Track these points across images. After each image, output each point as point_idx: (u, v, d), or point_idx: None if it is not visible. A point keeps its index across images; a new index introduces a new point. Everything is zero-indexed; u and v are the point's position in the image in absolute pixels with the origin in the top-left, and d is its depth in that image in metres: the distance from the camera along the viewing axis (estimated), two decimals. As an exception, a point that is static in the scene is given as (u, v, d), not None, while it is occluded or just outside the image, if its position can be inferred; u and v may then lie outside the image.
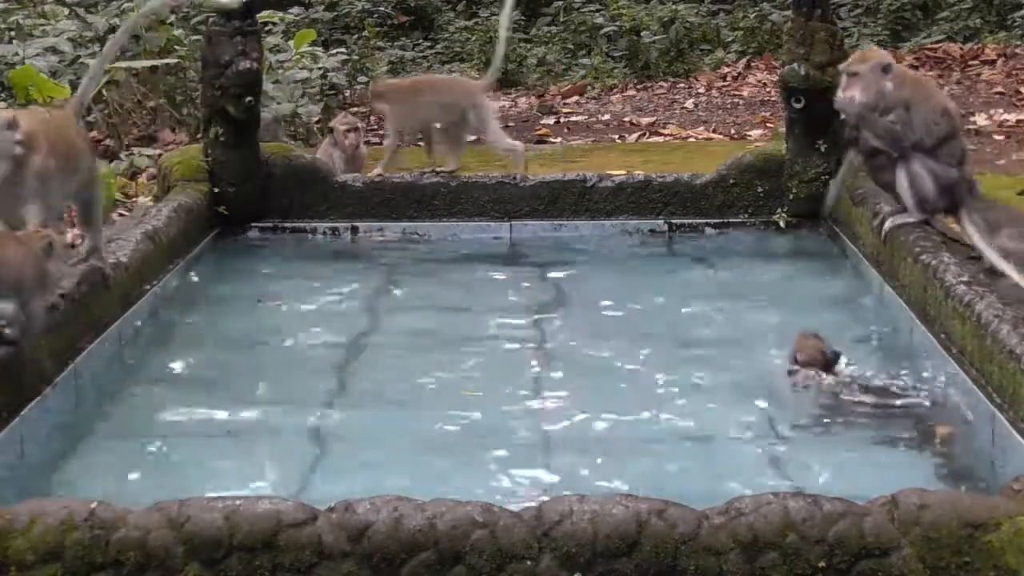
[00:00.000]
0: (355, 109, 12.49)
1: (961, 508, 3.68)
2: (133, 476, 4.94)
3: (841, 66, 6.80)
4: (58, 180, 5.61)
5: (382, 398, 5.76)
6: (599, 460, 5.06)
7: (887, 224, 6.74)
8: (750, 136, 11.84)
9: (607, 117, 13.22)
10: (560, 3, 17.69)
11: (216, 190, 8.02)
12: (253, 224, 8.16)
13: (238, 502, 3.71)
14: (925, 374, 5.83)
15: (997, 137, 11.21)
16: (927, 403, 5.57)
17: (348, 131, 9.15)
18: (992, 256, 6.06)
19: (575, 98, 14.41)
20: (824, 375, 5.72)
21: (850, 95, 6.61)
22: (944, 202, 6.59)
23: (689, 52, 15.76)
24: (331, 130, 9.45)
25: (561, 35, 16.90)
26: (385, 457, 5.10)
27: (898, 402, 5.57)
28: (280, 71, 12.23)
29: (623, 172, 8.67)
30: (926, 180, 6.57)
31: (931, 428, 5.29)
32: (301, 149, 9.33)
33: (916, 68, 13.22)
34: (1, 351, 4.99)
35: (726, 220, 8.16)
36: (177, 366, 6.14)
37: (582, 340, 6.43)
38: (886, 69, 6.63)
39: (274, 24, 13.53)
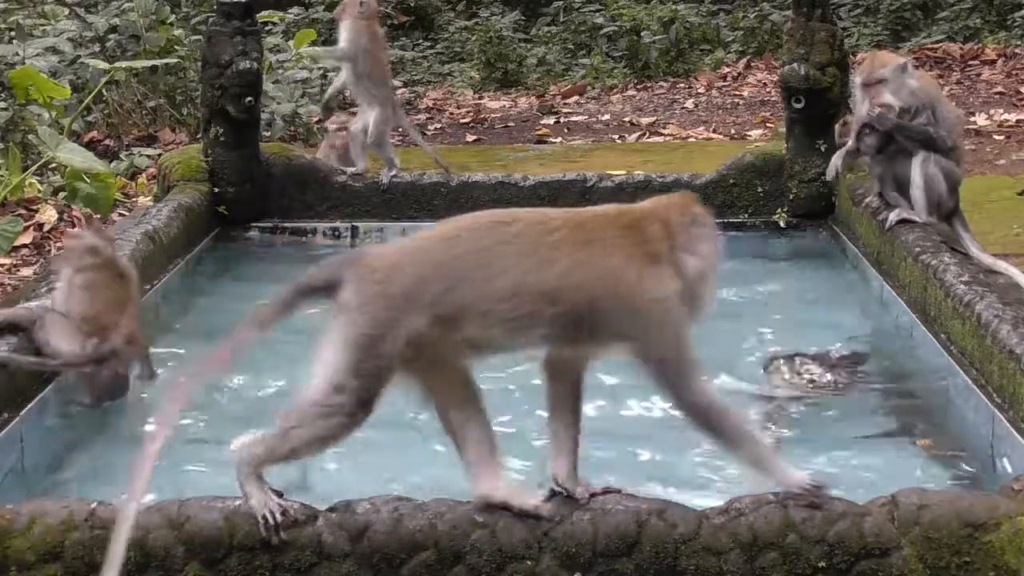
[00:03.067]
0: (355, 109, 12.44)
1: (961, 508, 3.68)
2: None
3: (860, 78, 6.65)
4: None
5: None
6: (598, 459, 5.05)
7: (892, 217, 6.72)
8: (750, 136, 11.83)
9: (607, 117, 13.20)
10: (560, 3, 17.67)
11: (216, 190, 8.02)
12: (253, 224, 8.16)
13: (238, 502, 3.71)
14: (922, 371, 5.84)
15: (997, 137, 11.19)
16: (924, 401, 5.57)
17: (338, 130, 9.17)
18: (987, 259, 6.10)
19: (575, 98, 14.39)
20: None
21: (884, 101, 6.53)
22: (953, 203, 6.59)
23: (689, 52, 15.73)
24: (326, 130, 9.49)
25: (561, 35, 16.88)
26: (385, 456, 5.10)
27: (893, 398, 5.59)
28: (280, 71, 12.22)
29: (623, 172, 8.66)
30: (941, 182, 6.56)
31: (915, 439, 5.28)
32: (301, 149, 9.32)
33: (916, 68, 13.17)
34: None
35: (726, 220, 8.15)
36: (177, 366, 6.13)
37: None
38: (905, 68, 6.59)
39: (274, 24, 13.52)
